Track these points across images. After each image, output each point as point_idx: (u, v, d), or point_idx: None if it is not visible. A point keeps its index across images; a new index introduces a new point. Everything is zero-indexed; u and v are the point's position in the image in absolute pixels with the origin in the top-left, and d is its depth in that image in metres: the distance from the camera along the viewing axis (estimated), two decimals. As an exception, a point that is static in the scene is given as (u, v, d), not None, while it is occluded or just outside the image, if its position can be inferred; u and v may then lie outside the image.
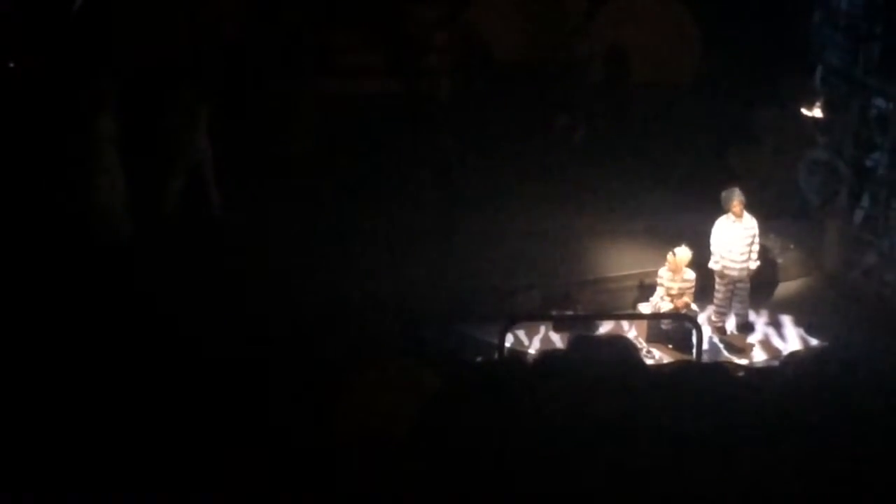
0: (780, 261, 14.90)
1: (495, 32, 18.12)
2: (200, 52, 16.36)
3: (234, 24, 17.28)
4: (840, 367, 10.22)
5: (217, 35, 16.92)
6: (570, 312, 13.53)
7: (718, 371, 11.02)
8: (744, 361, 13.23)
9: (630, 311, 14.01)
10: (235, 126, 15.81)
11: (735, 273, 13.70)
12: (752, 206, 13.85)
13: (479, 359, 12.22)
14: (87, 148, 13.71)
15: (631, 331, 13.66)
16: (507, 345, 12.24)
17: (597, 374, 9.78)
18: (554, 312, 13.57)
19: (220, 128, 15.33)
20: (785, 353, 13.23)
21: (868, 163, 14.13)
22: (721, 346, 13.68)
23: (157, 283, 12.86)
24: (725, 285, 13.78)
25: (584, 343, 11.54)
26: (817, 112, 15.05)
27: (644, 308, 13.79)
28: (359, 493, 8.25)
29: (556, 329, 13.46)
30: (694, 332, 12.32)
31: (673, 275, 13.50)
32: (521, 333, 13.37)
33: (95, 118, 13.78)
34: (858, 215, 14.23)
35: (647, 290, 13.90)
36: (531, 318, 13.52)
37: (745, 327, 13.95)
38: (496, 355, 11.75)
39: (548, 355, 11.49)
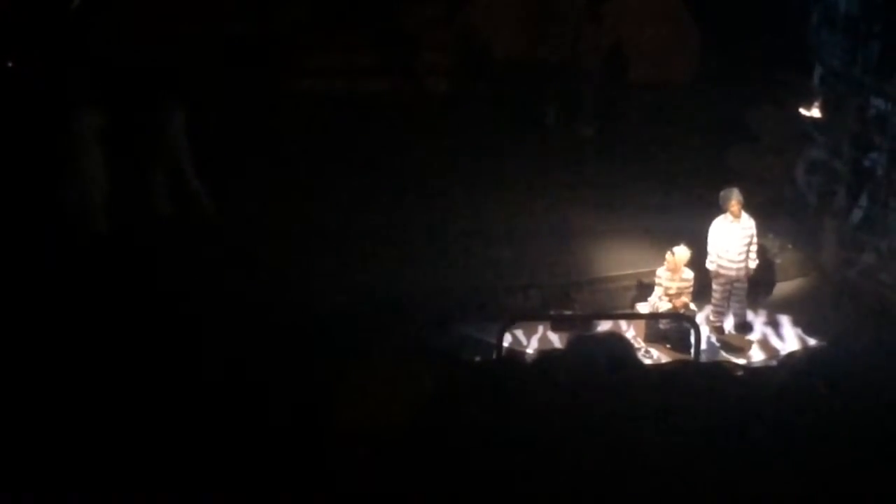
0: (778, 261, 14.88)
1: (495, 31, 18.18)
2: (196, 51, 16.40)
3: (233, 24, 17.33)
4: (838, 366, 10.27)
5: (216, 35, 16.96)
6: (568, 312, 13.53)
7: (717, 371, 11.09)
8: (742, 361, 13.23)
9: (628, 311, 14.02)
10: (235, 126, 15.86)
11: (732, 273, 13.71)
12: (750, 206, 13.87)
13: (477, 358, 12.24)
14: (73, 145, 13.68)
15: (629, 330, 13.66)
16: (506, 344, 12.25)
17: (595, 373, 9.84)
18: (552, 312, 13.58)
19: (220, 128, 15.36)
20: (783, 352, 13.24)
21: (866, 162, 14.12)
22: (719, 345, 13.69)
23: (156, 282, 12.87)
24: (722, 285, 13.79)
25: (582, 343, 11.61)
26: (816, 112, 15.07)
27: (642, 308, 13.79)
28: (359, 493, 8.28)
29: (555, 329, 13.42)
30: (692, 331, 12.35)
31: (671, 274, 13.51)
32: (520, 333, 13.37)
33: (82, 116, 13.76)
34: (856, 215, 14.23)
35: (645, 290, 13.91)
36: (530, 317, 13.53)
37: (744, 327, 13.94)
38: (495, 355, 11.78)
39: (546, 355, 11.55)
